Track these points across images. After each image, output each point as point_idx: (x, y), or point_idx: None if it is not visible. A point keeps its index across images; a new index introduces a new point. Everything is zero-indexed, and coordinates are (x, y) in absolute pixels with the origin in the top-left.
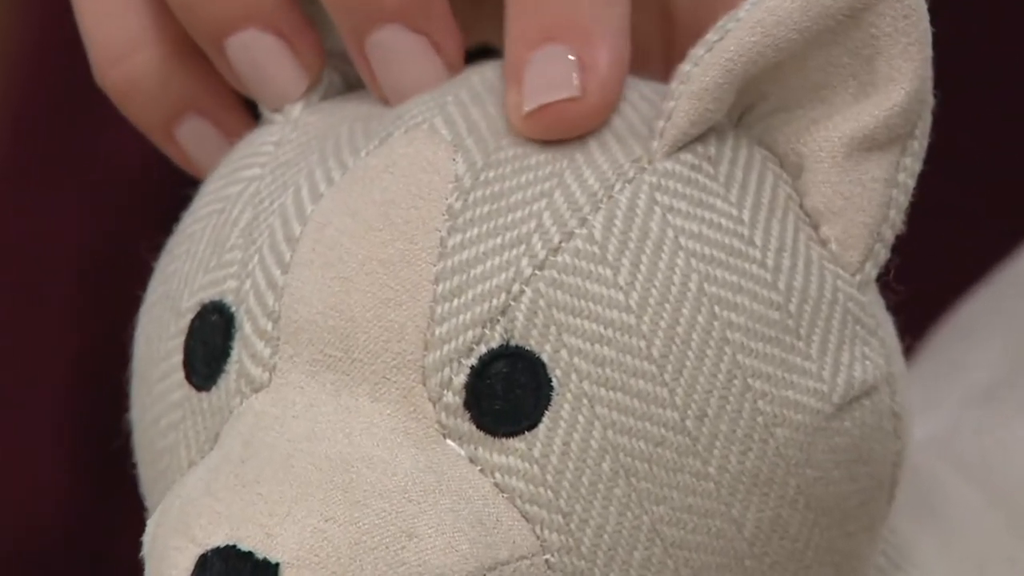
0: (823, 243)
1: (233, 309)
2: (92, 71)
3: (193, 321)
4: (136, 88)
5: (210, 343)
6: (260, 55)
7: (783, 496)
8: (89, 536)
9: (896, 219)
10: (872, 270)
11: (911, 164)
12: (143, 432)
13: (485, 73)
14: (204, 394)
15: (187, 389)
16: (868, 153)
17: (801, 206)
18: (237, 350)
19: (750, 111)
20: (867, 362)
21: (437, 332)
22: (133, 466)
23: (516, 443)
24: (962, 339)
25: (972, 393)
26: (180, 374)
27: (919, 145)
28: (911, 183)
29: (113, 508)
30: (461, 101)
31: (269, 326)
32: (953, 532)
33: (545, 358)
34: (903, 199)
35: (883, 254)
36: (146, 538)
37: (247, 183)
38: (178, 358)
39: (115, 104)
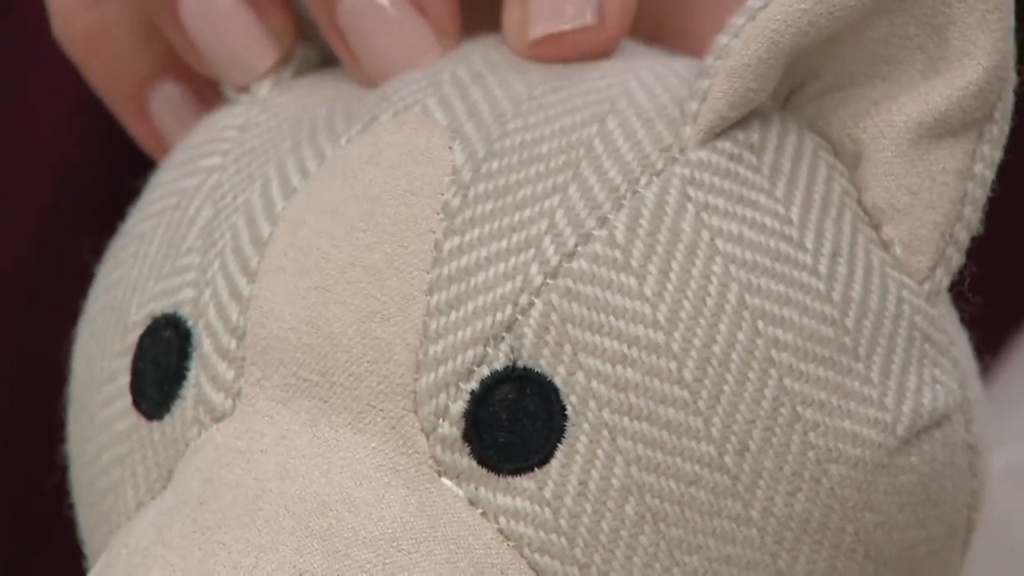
0: (885, 246)
1: (190, 324)
2: (52, 19)
3: (142, 337)
4: (111, 37)
5: (163, 364)
6: (221, 19)
7: (838, 545)
8: None
9: (972, 218)
10: (943, 278)
11: (989, 153)
12: (83, 467)
13: (487, 49)
14: (155, 423)
15: (135, 417)
16: (939, 140)
17: (859, 203)
18: (195, 372)
19: (799, 91)
20: (937, 387)
21: (431, 351)
22: (69, 507)
23: (524, 482)
24: None
25: None
26: (127, 400)
27: (999, 131)
28: (989, 175)
29: (41, 558)
30: (459, 80)
31: (233, 344)
32: None
33: (558, 382)
34: (980, 194)
35: (956, 259)
36: None
37: (206, 174)
38: (124, 380)
39: (77, 59)
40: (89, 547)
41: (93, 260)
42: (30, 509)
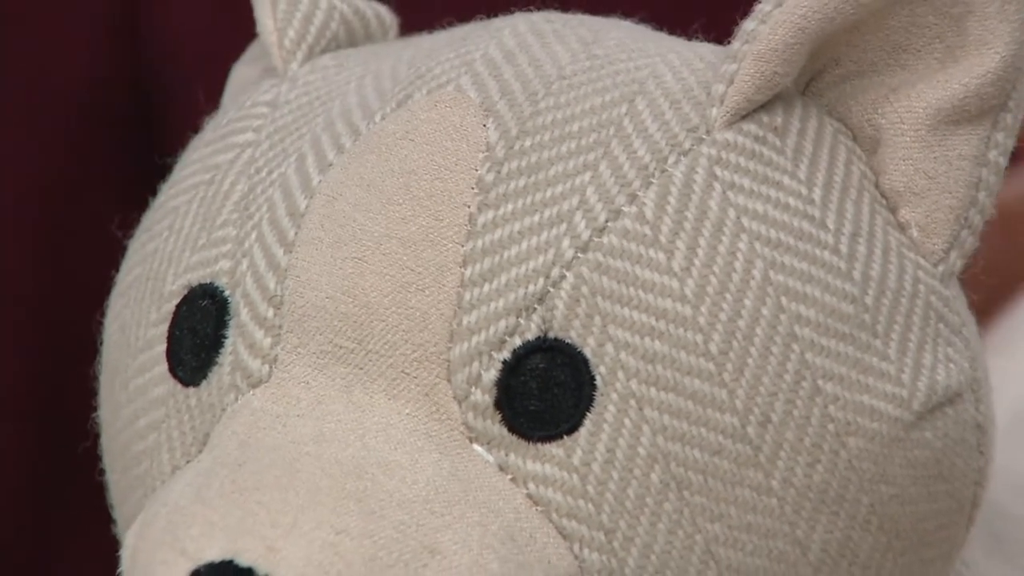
0: (902, 228)
1: (227, 293)
2: None
3: (179, 306)
4: None
5: (200, 331)
6: None
7: (854, 515)
8: (23, 553)
9: (986, 203)
10: (957, 260)
11: (1004, 140)
12: (116, 434)
13: (518, 27)
14: (192, 389)
15: (171, 383)
16: (955, 127)
17: (877, 186)
18: (232, 339)
19: (820, 77)
20: (951, 365)
21: (465, 321)
22: (101, 473)
23: (553, 449)
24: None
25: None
26: (163, 367)
27: (1013, 119)
28: (1003, 162)
29: (55, 524)
30: (491, 59)
31: (270, 312)
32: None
33: (588, 353)
34: (994, 180)
35: (970, 243)
36: (125, 552)
37: (239, 150)
38: (160, 348)
39: None
40: (120, 512)
41: (124, 235)
42: (56, 477)
